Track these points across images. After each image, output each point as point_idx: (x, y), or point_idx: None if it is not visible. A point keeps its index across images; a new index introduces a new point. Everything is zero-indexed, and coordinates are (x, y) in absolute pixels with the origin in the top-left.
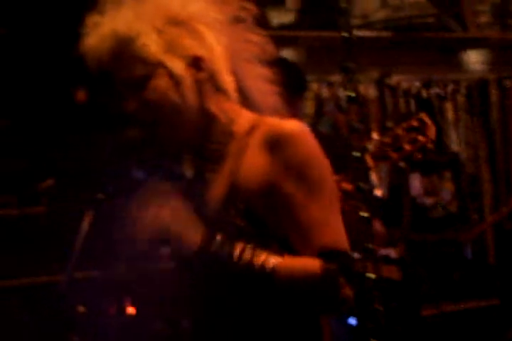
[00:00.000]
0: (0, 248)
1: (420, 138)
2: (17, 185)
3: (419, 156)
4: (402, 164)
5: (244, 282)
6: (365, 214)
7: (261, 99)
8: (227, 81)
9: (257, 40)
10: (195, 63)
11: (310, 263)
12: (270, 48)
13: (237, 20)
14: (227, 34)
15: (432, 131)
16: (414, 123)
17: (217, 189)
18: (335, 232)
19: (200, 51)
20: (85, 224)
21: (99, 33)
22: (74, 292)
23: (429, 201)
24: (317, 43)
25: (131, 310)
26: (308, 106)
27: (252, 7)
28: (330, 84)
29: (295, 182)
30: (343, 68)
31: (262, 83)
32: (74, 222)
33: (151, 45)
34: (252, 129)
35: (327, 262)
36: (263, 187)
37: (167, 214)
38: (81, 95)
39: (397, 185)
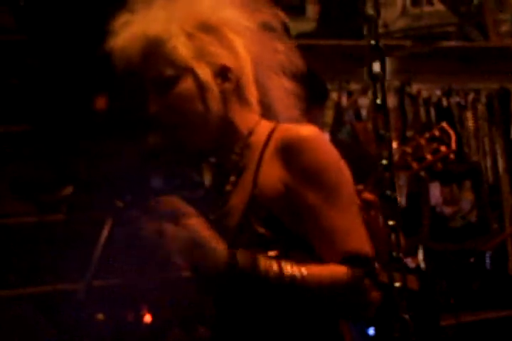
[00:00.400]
0: (19, 255)
1: (442, 148)
2: (36, 193)
3: (440, 166)
4: (422, 173)
5: (273, 294)
6: (392, 223)
7: (282, 110)
8: (252, 94)
9: (284, 50)
10: (223, 73)
11: (336, 270)
12: (296, 58)
13: (267, 28)
14: (256, 42)
15: (454, 142)
16: (437, 133)
17: (237, 199)
18: (357, 237)
19: (228, 60)
20: (105, 232)
21: (129, 32)
22: (92, 300)
23: (448, 210)
24: (336, 52)
25: (148, 317)
26: (328, 115)
27: (281, 15)
28: (349, 93)
29: (312, 189)
30: (371, 76)
31: (285, 95)
32: (93, 230)
33: (181, 48)
34: (269, 138)
35: (353, 268)
36: (282, 194)
37: (188, 231)
38: (101, 102)
39: (416, 193)
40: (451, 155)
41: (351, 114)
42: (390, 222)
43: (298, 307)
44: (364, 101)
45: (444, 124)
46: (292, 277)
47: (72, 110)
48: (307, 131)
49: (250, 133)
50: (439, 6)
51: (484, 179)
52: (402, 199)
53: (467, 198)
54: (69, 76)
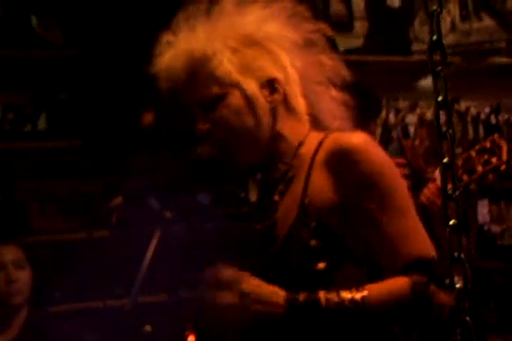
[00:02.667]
0: (67, 271)
1: (493, 159)
2: (84, 209)
3: (492, 178)
4: (472, 186)
5: (338, 322)
6: (453, 222)
7: (332, 121)
8: (300, 103)
9: (330, 63)
10: (270, 84)
11: (396, 284)
12: (344, 71)
13: (312, 42)
14: (301, 56)
15: (505, 153)
16: (487, 145)
17: (286, 209)
18: (417, 241)
19: (274, 73)
20: (153, 244)
21: (173, 52)
22: (139, 316)
23: (496, 228)
24: (384, 68)
25: (191, 338)
26: (376, 133)
27: (326, 29)
28: (397, 110)
29: (368, 197)
30: (433, 73)
31: (334, 106)
32: (140, 246)
33: (227, 65)
34: (318, 148)
35: (415, 276)
36: (335, 204)
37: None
38: (148, 118)
39: (464, 212)
40: (503, 166)
41: (399, 131)
42: (451, 222)
43: (366, 328)
44: (411, 119)
45: (496, 136)
46: (353, 301)
47: (120, 125)
48: (357, 138)
49: (300, 143)
50: (489, 22)
51: None
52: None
53: None
54: (116, 91)
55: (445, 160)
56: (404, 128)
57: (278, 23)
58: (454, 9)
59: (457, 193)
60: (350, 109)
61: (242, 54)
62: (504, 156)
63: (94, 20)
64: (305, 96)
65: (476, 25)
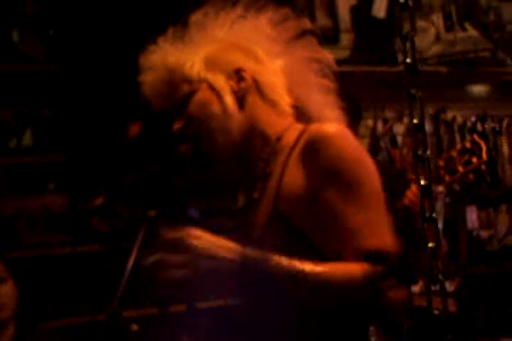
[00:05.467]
0: (55, 286)
1: (473, 159)
2: (71, 224)
3: (472, 178)
4: (456, 186)
5: (284, 287)
6: (432, 245)
7: (322, 113)
8: (279, 95)
9: (316, 56)
10: (237, 74)
11: (352, 269)
12: (331, 63)
13: (296, 38)
14: (286, 52)
15: (485, 152)
16: (468, 145)
17: (262, 207)
18: (378, 235)
19: (241, 63)
20: (138, 241)
21: (150, 63)
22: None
23: (485, 234)
24: (371, 79)
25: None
26: (364, 143)
27: (309, 25)
28: (385, 120)
29: (331, 185)
30: (408, 95)
31: (324, 97)
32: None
33: (196, 65)
34: (297, 141)
35: (370, 265)
36: (304, 197)
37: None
38: (135, 129)
39: (452, 218)
40: (483, 166)
41: (387, 141)
42: (430, 244)
43: (310, 300)
44: (399, 128)
45: (475, 136)
46: (304, 270)
47: (106, 139)
48: (331, 128)
49: (279, 138)
50: (473, 32)
51: None
52: (440, 225)
53: (503, 222)
54: (101, 104)
55: (422, 182)
56: (392, 138)
57: (256, 23)
58: (438, 20)
59: (434, 215)
60: (340, 99)
61: (212, 54)
62: (484, 156)
63: (76, 35)
64: (291, 89)
65: (460, 35)
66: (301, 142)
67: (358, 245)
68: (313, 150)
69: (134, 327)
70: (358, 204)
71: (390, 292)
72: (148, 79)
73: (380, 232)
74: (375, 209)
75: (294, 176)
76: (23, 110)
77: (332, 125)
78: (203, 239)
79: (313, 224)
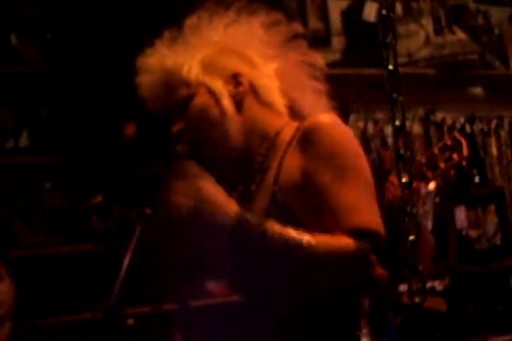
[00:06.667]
0: (53, 285)
1: (454, 156)
2: (69, 224)
3: (453, 174)
4: (439, 181)
5: (276, 253)
6: (412, 238)
7: (315, 113)
8: (275, 96)
9: (309, 59)
10: (234, 79)
11: (343, 241)
12: (321, 65)
13: (289, 41)
14: (279, 56)
15: (465, 148)
16: (449, 142)
17: (260, 199)
18: (367, 214)
19: (238, 68)
20: (134, 239)
21: (149, 69)
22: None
23: (473, 234)
24: (362, 81)
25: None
26: None
27: (301, 29)
28: (375, 122)
29: (324, 169)
30: (390, 100)
31: (316, 99)
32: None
33: (194, 68)
34: (294, 135)
35: (360, 242)
36: (300, 182)
37: (195, 188)
38: (130, 130)
39: (441, 217)
40: (464, 162)
41: (377, 142)
42: (411, 237)
43: (303, 272)
44: (390, 130)
45: (456, 133)
46: (296, 238)
47: (102, 139)
48: (325, 117)
49: (277, 134)
50: (461, 35)
51: (508, 203)
52: (429, 224)
53: (492, 221)
54: (97, 105)
55: (404, 179)
56: (383, 140)
57: (249, 27)
58: (428, 24)
59: (415, 211)
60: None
61: (209, 58)
62: (465, 152)
63: (73, 38)
64: (285, 91)
65: (449, 38)
66: (298, 135)
67: (349, 221)
68: (309, 138)
69: (130, 321)
70: (350, 186)
71: (379, 268)
72: (146, 81)
73: (369, 212)
74: (364, 191)
75: (291, 164)
76: (20, 111)
77: (326, 115)
78: (214, 185)
79: (308, 208)
